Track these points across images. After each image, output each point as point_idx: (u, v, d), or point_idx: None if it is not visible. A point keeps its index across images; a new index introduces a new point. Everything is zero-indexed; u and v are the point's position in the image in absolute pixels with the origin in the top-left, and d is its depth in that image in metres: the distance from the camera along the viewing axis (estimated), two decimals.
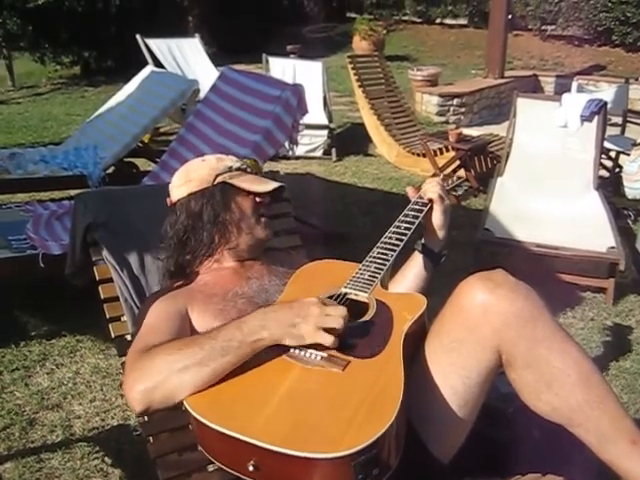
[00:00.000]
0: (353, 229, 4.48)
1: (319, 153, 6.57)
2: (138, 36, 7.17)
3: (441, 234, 1.81)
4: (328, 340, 1.35)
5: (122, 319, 2.08)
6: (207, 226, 1.79)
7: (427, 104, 8.12)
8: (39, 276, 3.07)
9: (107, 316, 2.06)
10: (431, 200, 1.77)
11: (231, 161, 1.88)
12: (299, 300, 1.43)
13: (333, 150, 6.55)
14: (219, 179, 1.81)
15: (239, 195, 1.83)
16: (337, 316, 1.36)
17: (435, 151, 5.79)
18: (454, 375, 1.48)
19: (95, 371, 2.94)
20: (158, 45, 7.21)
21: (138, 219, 2.19)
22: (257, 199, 1.85)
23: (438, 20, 14.07)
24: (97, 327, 3.02)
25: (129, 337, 2.04)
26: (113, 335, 2.04)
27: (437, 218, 1.79)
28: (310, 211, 4.22)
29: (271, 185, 1.87)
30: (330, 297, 1.56)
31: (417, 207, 1.79)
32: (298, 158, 6.22)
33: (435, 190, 1.76)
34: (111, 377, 2.89)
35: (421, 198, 1.80)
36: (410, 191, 1.83)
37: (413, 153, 6.19)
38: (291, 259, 2.03)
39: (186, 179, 1.83)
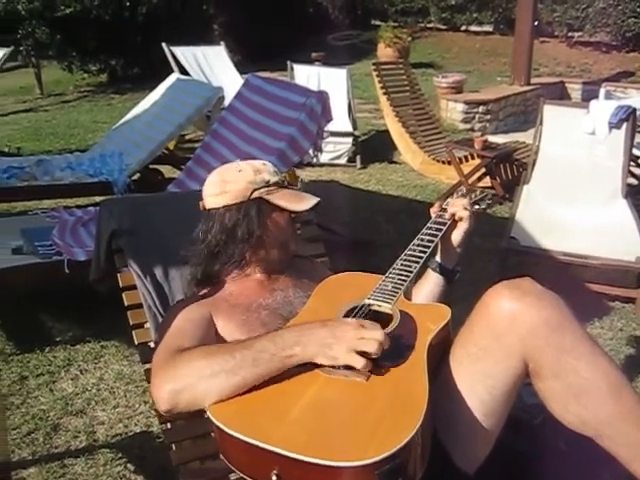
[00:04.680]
0: (377, 237, 4.46)
1: (343, 160, 6.56)
2: (164, 44, 7.23)
3: (458, 252, 1.82)
4: (359, 363, 1.33)
5: (145, 326, 2.08)
6: (239, 243, 1.76)
7: (452, 111, 8.08)
8: (64, 282, 3.08)
9: (130, 323, 2.06)
10: (459, 219, 1.79)
11: (269, 174, 1.80)
12: (337, 320, 1.43)
13: (357, 157, 6.54)
14: (256, 194, 1.76)
15: (275, 212, 1.78)
16: (372, 340, 1.34)
17: (460, 159, 5.75)
18: (480, 384, 1.46)
19: (119, 377, 2.95)
20: (183, 53, 7.26)
21: (162, 226, 2.19)
22: (292, 215, 1.82)
23: (463, 27, 14.00)
24: (121, 333, 3.05)
25: (152, 344, 2.04)
26: (136, 342, 2.04)
27: (458, 237, 1.80)
28: (334, 219, 4.21)
29: (309, 203, 1.81)
30: (353, 308, 1.56)
31: (440, 220, 1.80)
32: (322, 165, 6.22)
33: (465, 211, 1.78)
34: (134, 384, 2.90)
35: (444, 211, 1.81)
36: (435, 207, 1.85)
37: (438, 160, 6.16)
38: (315, 268, 2.03)
39: (221, 190, 1.77)
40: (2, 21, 9.94)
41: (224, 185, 1.78)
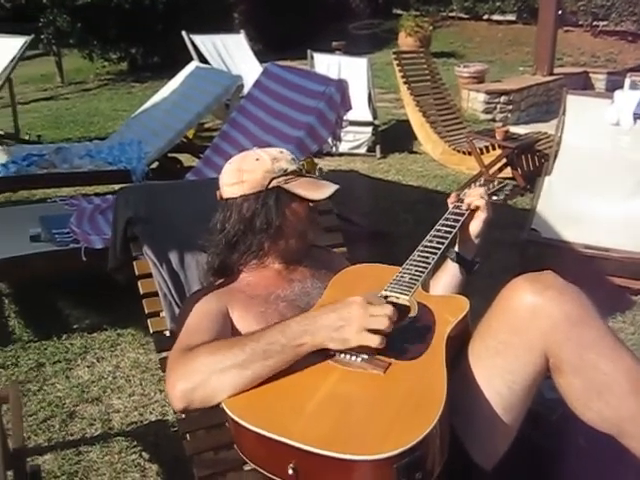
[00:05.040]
0: (396, 227, 4.42)
1: (363, 150, 6.52)
2: (184, 32, 7.21)
3: (477, 242, 1.79)
4: (374, 341, 1.31)
5: (161, 315, 2.08)
6: (258, 234, 1.73)
7: (473, 101, 8.00)
8: (82, 269, 3.08)
9: (146, 311, 2.06)
10: (476, 208, 1.76)
11: (286, 162, 1.77)
12: (342, 300, 1.39)
13: (377, 147, 6.49)
14: (274, 183, 1.73)
15: (294, 201, 1.75)
16: (382, 316, 1.32)
17: (481, 149, 5.69)
18: (499, 379, 1.43)
19: (135, 365, 2.96)
20: (203, 41, 7.24)
21: (179, 214, 2.18)
22: (311, 204, 1.79)
23: (486, 16, 13.84)
24: (138, 321, 3.07)
25: (168, 333, 2.03)
26: (152, 331, 2.04)
27: (476, 227, 1.78)
28: (353, 209, 4.18)
29: (327, 191, 1.78)
30: None
31: (458, 211, 1.78)
32: (342, 155, 6.18)
33: (481, 200, 1.75)
34: (150, 372, 2.90)
35: (461, 202, 1.78)
36: (452, 197, 1.82)
37: (459, 151, 6.10)
38: (332, 259, 2.00)
39: (239, 179, 1.74)
40: (24, 9, 9.97)
41: (241, 174, 1.75)
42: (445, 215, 1.79)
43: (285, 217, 1.75)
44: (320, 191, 1.78)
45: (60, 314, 3.37)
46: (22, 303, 3.45)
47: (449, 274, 1.81)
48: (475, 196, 1.77)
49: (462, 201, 1.80)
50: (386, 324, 1.31)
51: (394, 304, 1.53)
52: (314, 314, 1.40)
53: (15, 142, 6.32)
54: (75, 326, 3.26)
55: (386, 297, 1.55)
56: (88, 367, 2.95)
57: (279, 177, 1.74)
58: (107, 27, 10.30)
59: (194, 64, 5.25)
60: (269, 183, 1.73)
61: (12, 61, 6.00)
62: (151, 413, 2.64)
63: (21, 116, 7.19)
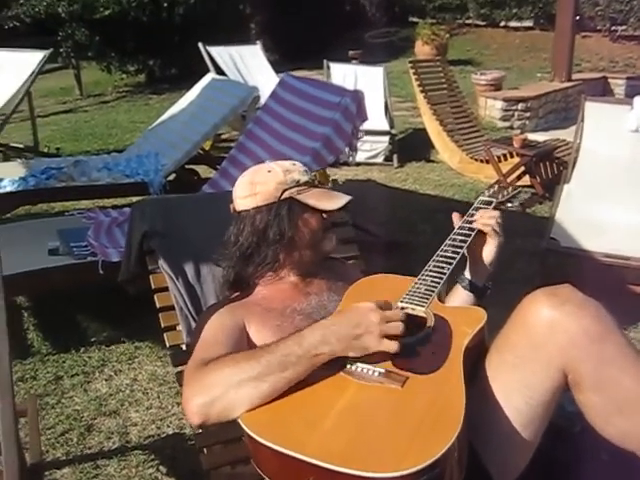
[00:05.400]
0: (414, 237, 4.40)
1: (380, 159, 6.51)
2: (200, 44, 7.25)
3: (489, 268, 1.76)
4: (393, 347, 1.32)
5: (177, 328, 2.08)
6: (272, 245, 1.73)
7: (491, 109, 7.96)
8: (99, 282, 3.09)
9: (162, 325, 2.06)
10: (482, 233, 1.72)
11: (299, 173, 1.77)
12: (355, 307, 1.39)
13: (394, 156, 6.47)
14: (286, 194, 1.72)
15: (306, 212, 1.75)
16: (397, 321, 1.34)
17: (499, 157, 5.66)
18: (517, 394, 1.41)
19: (152, 378, 2.95)
20: (220, 53, 7.27)
21: (194, 227, 2.18)
22: (324, 215, 1.78)
23: (502, 23, 13.81)
24: (155, 334, 3.02)
25: (184, 347, 2.03)
26: (168, 345, 2.04)
27: (488, 252, 1.74)
28: (370, 218, 4.16)
29: (340, 201, 1.78)
30: None
31: (468, 226, 1.75)
32: (359, 164, 6.17)
33: (490, 223, 1.71)
34: (168, 385, 2.89)
35: (471, 220, 1.76)
36: (455, 218, 1.79)
37: (476, 159, 6.06)
38: (348, 271, 1.99)
39: (251, 192, 1.74)
40: (43, 23, 10.08)
41: (254, 187, 1.75)
42: (459, 224, 1.77)
43: (298, 228, 1.75)
44: (333, 202, 1.78)
45: (78, 327, 3.38)
46: (40, 316, 3.47)
47: (461, 300, 1.79)
48: (488, 222, 1.72)
49: (472, 216, 1.78)
50: (401, 328, 1.33)
51: (410, 316, 1.52)
52: (328, 322, 1.39)
53: (34, 155, 6.38)
54: (93, 339, 3.26)
55: (402, 308, 1.53)
56: (106, 380, 2.96)
57: (291, 188, 1.74)
58: (125, 40, 10.39)
59: (210, 76, 5.27)
60: (281, 194, 1.73)
61: (31, 75, 6.07)
62: (168, 426, 2.63)
63: (40, 129, 7.25)
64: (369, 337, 1.32)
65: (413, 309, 1.53)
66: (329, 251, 1.86)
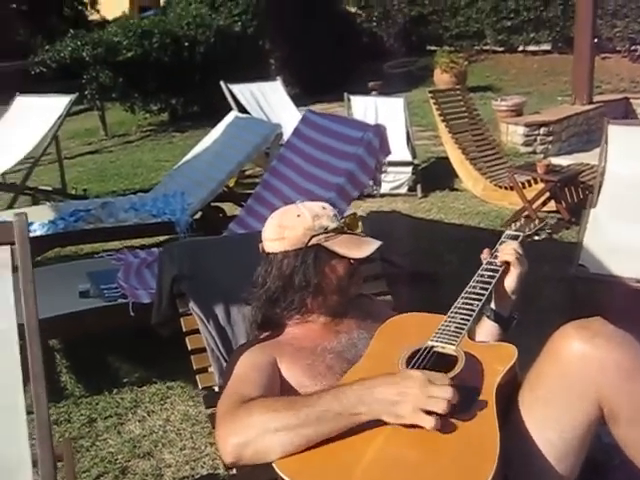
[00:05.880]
0: (440, 267, 4.39)
1: (404, 190, 6.51)
2: (222, 82, 7.35)
3: (513, 298, 1.76)
4: (429, 422, 1.29)
5: (209, 370, 2.09)
6: (298, 291, 1.74)
7: (513, 135, 7.95)
8: (130, 324, 3.12)
9: (194, 367, 2.08)
10: (507, 263, 1.73)
11: (328, 219, 1.78)
12: (402, 373, 1.39)
13: (418, 186, 6.48)
14: (314, 241, 1.74)
15: (334, 259, 1.76)
16: (441, 398, 1.30)
17: (523, 183, 5.64)
18: (550, 428, 1.40)
19: (185, 419, 2.96)
20: (241, 90, 7.36)
21: (223, 269, 2.21)
22: (352, 261, 1.79)
23: (520, 47, 13.85)
24: (186, 374, 3.03)
25: (216, 388, 2.04)
26: (200, 386, 2.06)
27: (511, 283, 1.74)
28: (396, 249, 4.16)
29: (369, 248, 1.79)
30: (417, 351, 1.53)
31: (493, 266, 1.75)
32: (383, 196, 6.15)
33: (512, 254, 1.72)
34: (200, 425, 2.89)
35: (496, 257, 1.76)
36: (485, 253, 1.80)
37: (500, 186, 6.05)
38: (377, 307, 2.00)
39: (279, 235, 1.76)
40: (68, 68, 10.30)
41: (282, 230, 1.77)
42: (483, 265, 1.78)
43: (324, 275, 1.76)
44: (361, 249, 1.79)
45: (110, 368, 3.41)
46: (72, 358, 3.50)
47: (486, 331, 1.78)
48: (508, 252, 1.74)
49: (498, 250, 1.79)
50: (444, 407, 1.29)
51: (441, 354, 1.52)
52: (369, 383, 1.38)
53: (62, 197, 6.49)
54: (125, 380, 3.28)
55: (432, 347, 1.54)
56: (139, 421, 2.97)
57: (319, 235, 1.75)
58: (147, 80, 10.57)
59: (233, 114, 5.34)
60: (309, 241, 1.74)
61: (59, 119, 6.20)
62: (202, 467, 2.63)
63: (67, 170, 7.36)
64: (405, 406, 1.31)
65: (443, 347, 1.54)
66: (355, 294, 1.87)
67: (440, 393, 1.30)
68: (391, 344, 1.65)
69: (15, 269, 1.61)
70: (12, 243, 1.61)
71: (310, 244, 1.74)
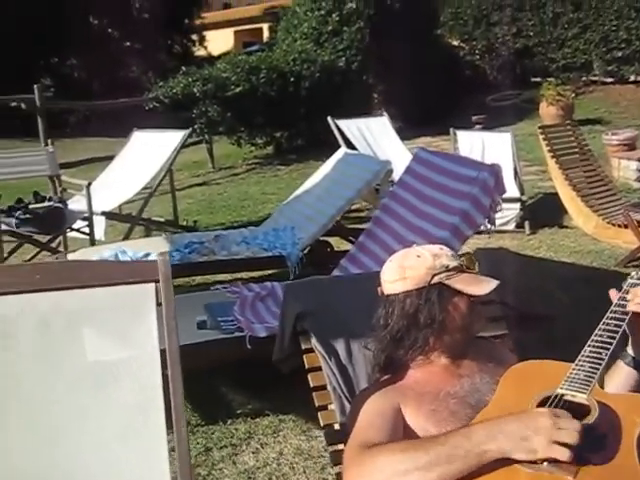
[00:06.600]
0: (552, 308, 4.28)
1: (511, 226, 6.41)
2: (329, 118, 7.48)
3: None
4: (564, 454, 1.27)
5: (330, 407, 2.12)
6: (422, 329, 1.76)
7: (625, 170, 7.71)
8: (246, 357, 3.20)
9: (316, 404, 2.11)
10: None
11: (447, 258, 1.81)
12: (529, 410, 1.38)
13: (526, 223, 6.37)
14: (436, 279, 1.76)
15: (456, 296, 1.78)
16: (572, 430, 1.29)
17: (639, 221, 5.44)
18: None
19: (298, 452, 2.99)
20: (348, 125, 7.48)
21: (345, 308, 2.24)
22: (472, 299, 1.81)
23: (632, 78, 13.43)
24: (298, 407, 3.14)
25: (337, 426, 2.07)
26: (322, 424, 2.08)
27: None
28: (509, 289, 4.09)
29: (488, 287, 1.80)
30: (546, 399, 1.51)
31: (623, 310, 1.69)
32: (489, 232, 6.10)
33: None
34: (313, 460, 2.92)
35: (623, 303, 1.70)
36: (612, 294, 1.74)
37: (614, 224, 5.85)
38: (497, 350, 1.99)
39: (401, 276, 1.79)
40: (180, 102, 10.74)
41: (403, 271, 1.80)
42: (611, 308, 1.72)
43: (448, 312, 1.77)
44: (481, 287, 1.80)
45: (224, 399, 3.50)
46: (189, 387, 3.58)
47: (623, 377, 1.72)
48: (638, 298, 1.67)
49: (628, 292, 1.73)
50: (575, 438, 1.28)
51: (572, 403, 1.50)
52: (500, 420, 1.38)
53: (174, 228, 6.75)
54: (239, 411, 3.36)
55: (562, 395, 1.51)
56: (253, 453, 3.02)
57: (441, 273, 1.78)
58: (254, 114, 10.87)
59: (343, 150, 5.43)
60: (431, 279, 1.76)
61: (174, 152, 6.48)
62: None
63: (177, 202, 7.64)
64: (538, 440, 1.30)
65: (574, 396, 1.51)
66: (478, 332, 1.87)
67: (571, 425, 1.30)
68: (518, 391, 1.63)
69: (158, 304, 1.70)
70: (156, 281, 1.71)
71: (433, 282, 1.76)
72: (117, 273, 1.70)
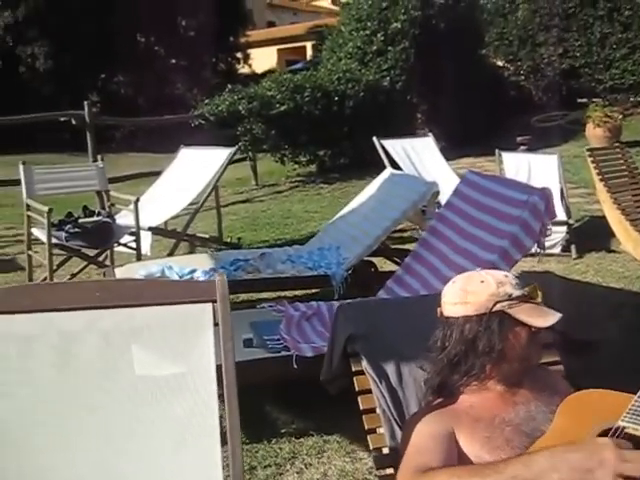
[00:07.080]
0: (600, 334, 4.21)
1: (557, 250, 6.32)
2: (374, 138, 7.48)
3: None
4: None
5: (379, 431, 2.12)
6: (480, 356, 1.75)
7: None
8: (291, 377, 3.21)
9: (365, 427, 2.11)
10: None
11: (511, 287, 1.79)
12: (591, 440, 1.36)
13: (572, 246, 6.27)
14: (498, 307, 1.75)
15: (517, 326, 1.77)
16: (638, 463, 1.28)
17: None
18: None
19: (342, 474, 2.97)
20: (393, 145, 7.48)
21: (396, 331, 2.24)
22: (533, 329, 1.79)
23: None
24: (342, 429, 3.13)
25: (386, 450, 2.06)
26: (371, 447, 2.08)
27: None
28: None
29: (551, 319, 1.79)
30: (606, 430, 1.48)
31: None
32: (535, 255, 6.03)
33: None
34: None
35: None
36: None
37: None
38: (552, 378, 1.97)
39: (462, 300, 1.78)
40: (225, 120, 10.87)
41: (465, 295, 1.79)
42: None
43: (508, 341, 1.76)
44: (544, 319, 1.79)
45: (269, 418, 3.50)
46: None
47: None
48: None
49: None
50: None
51: (634, 436, 1.47)
52: (561, 449, 1.37)
53: (218, 245, 6.80)
54: (283, 430, 3.35)
55: (624, 428, 1.49)
56: (297, 473, 3.02)
57: (503, 301, 1.76)
58: (298, 133, 10.95)
59: (389, 170, 5.44)
60: (493, 306, 1.75)
61: (220, 169, 6.55)
62: None
63: (222, 218, 7.71)
64: (602, 472, 1.28)
65: (636, 429, 1.48)
66: (537, 362, 1.85)
67: (637, 457, 1.28)
68: (577, 422, 1.61)
69: (215, 324, 1.73)
70: (214, 301, 1.73)
71: (494, 310, 1.75)
72: (177, 292, 1.73)
